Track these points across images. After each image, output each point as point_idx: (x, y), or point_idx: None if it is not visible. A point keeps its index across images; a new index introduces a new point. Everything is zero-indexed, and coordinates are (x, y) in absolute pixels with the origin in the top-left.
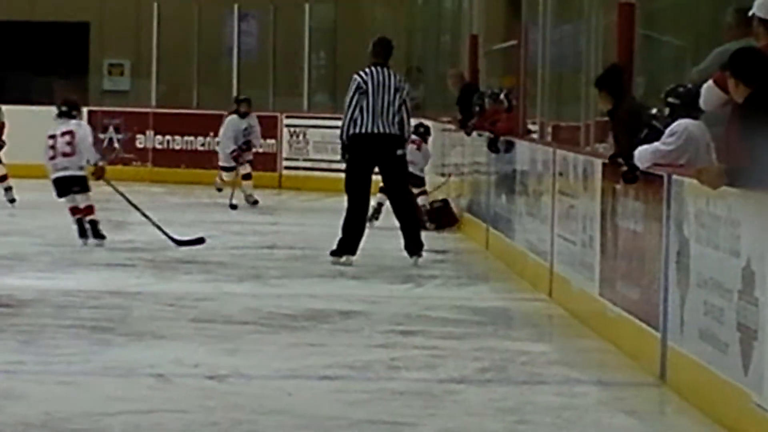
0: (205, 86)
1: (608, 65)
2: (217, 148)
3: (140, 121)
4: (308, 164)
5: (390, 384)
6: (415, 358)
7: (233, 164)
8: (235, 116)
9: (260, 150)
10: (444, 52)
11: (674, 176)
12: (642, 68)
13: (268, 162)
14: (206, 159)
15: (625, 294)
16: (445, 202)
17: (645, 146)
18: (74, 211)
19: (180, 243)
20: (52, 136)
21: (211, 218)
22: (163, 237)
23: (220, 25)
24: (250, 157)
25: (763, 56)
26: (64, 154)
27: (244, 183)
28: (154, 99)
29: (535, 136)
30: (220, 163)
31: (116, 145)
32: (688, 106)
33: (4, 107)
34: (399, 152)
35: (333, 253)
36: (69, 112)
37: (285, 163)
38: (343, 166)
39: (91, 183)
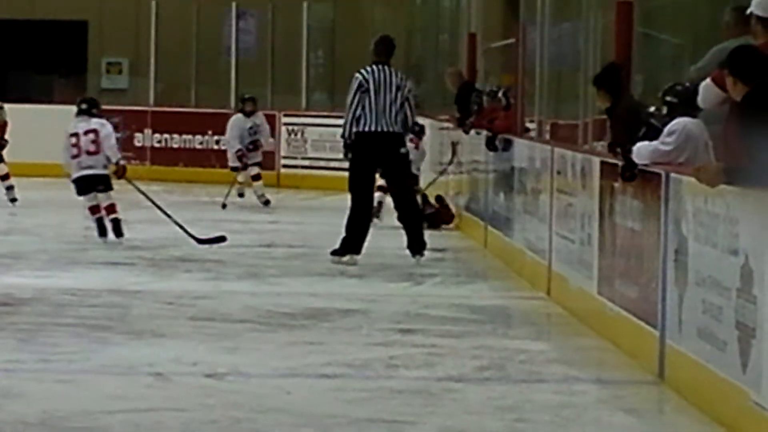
0: (204, 85)
1: (606, 63)
2: (225, 147)
3: (138, 120)
4: (306, 162)
5: (389, 382)
6: (414, 357)
7: (240, 164)
8: (240, 115)
9: (267, 149)
10: (443, 50)
11: (672, 174)
12: (640, 66)
13: (266, 160)
14: (204, 157)
15: (623, 292)
16: (439, 199)
17: (645, 143)
18: (94, 209)
19: (202, 241)
20: (75, 135)
21: (210, 216)
22: (183, 235)
23: (218, 23)
24: (259, 158)
25: (761, 54)
26: (89, 153)
27: (255, 184)
28: (153, 97)
29: (533, 134)
30: (229, 164)
31: None
32: (686, 104)
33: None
34: (402, 150)
35: (334, 253)
36: (89, 110)
37: (283, 162)
38: (341, 164)
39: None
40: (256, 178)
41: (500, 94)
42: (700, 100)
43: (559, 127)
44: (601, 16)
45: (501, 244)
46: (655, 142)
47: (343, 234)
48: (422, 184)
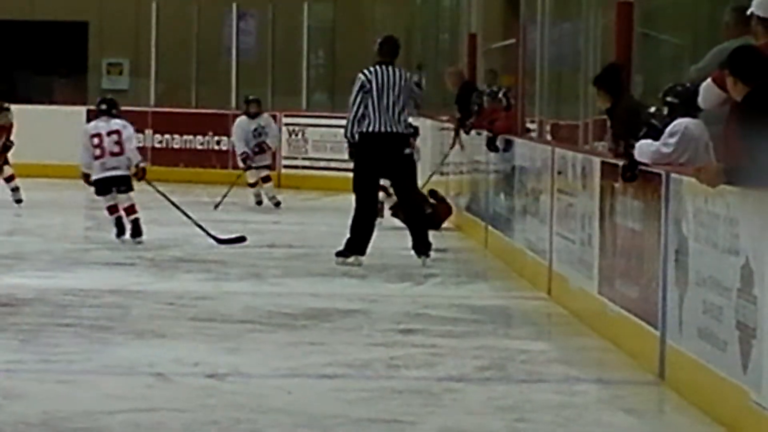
0: (204, 85)
1: (607, 64)
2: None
3: (139, 120)
4: (307, 163)
5: (389, 382)
6: (415, 357)
7: (243, 166)
8: (244, 117)
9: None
10: (443, 51)
11: (673, 175)
12: (640, 67)
13: None
14: (205, 158)
15: (624, 292)
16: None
17: (647, 141)
18: (112, 209)
19: (222, 241)
20: (97, 135)
21: (210, 217)
22: (203, 235)
23: (218, 24)
24: (267, 161)
25: (761, 55)
26: (113, 154)
27: (265, 186)
28: (153, 98)
29: (533, 134)
30: (240, 165)
31: None
32: (686, 105)
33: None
34: (407, 151)
35: (339, 254)
36: (109, 110)
37: (284, 162)
38: (342, 164)
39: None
40: (266, 179)
41: (501, 95)
42: (700, 100)
43: (560, 127)
44: (602, 17)
45: (502, 244)
46: (656, 143)
47: (347, 235)
48: (419, 184)
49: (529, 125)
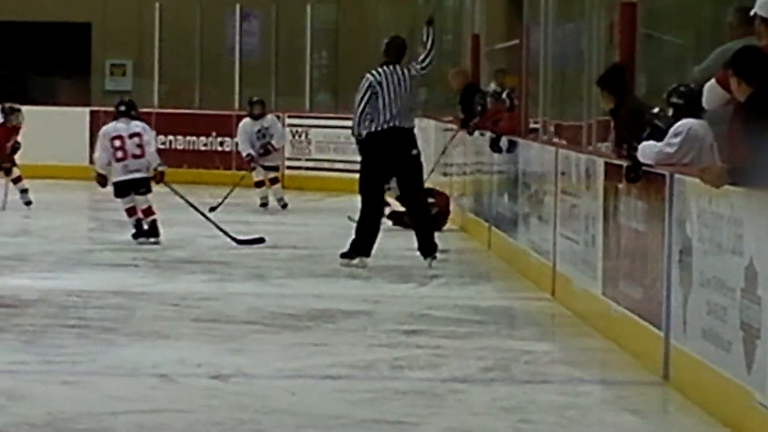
0: (207, 86)
1: (610, 64)
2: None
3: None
4: (310, 164)
5: (393, 383)
6: (419, 358)
7: (247, 168)
8: (248, 119)
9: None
10: (446, 52)
11: (677, 175)
12: (644, 67)
13: None
14: (208, 159)
15: (628, 293)
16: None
17: (650, 142)
18: (131, 211)
19: (240, 242)
20: (119, 137)
21: (214, 218)
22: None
23: (222, 24)
24: (273, 162)
25: (765, 55)
26: (135, 156)
27: (273, 187)
28: (156, 99)
29: (537, 135)
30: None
31: None
32: (691, 105)
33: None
34: (414, 152)
35: (344, 255)
36: (128, 111)
37: (287, 163)
38: (345, 165)
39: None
40: (274, 181)
41: (504, 95)
42: (704, 101)
43: (563, 128)
44: (605, 17)
45: (505, 245)
46: (660, 144)
47: (351, 236)
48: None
49: (532, 126)
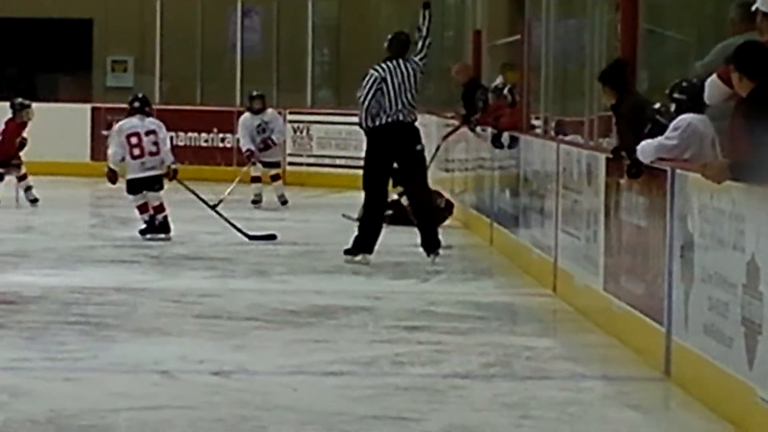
0: (209, 82)
1: (612, 60)
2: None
3: None
4: (312, 160)
5: (395, 379)
6: (420, 354)
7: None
8: (248, 114)
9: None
10: (448, 48)
11: (678, 171)
12: (646, 63)
13: None
14: (210, 155)
15: (629, 289)
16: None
17: (649, 140)
18: (143, 208)
19: (252, 238)
20: (135, 134)
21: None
22: (235, 232)
23: (223, 21)
24: (275, 157)
25: (766, 51)
26: (151, 154)
27: (274, 184)
28: (158, 95)
29: (538, 131)
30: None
31: None
32: (693, 101)
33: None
34: (418, 147)
35: (348, 252)
36: (142, 108)
37: (289, 159)
38: (347, 161)
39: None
40: (275, 178)
41: (506, 91)
42: (705, 96)
43: (565, 123)
44: (607, 13)
45: (507, 241)
46: (659, 138)
47: (355, 232)
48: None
49: (534, 122)
